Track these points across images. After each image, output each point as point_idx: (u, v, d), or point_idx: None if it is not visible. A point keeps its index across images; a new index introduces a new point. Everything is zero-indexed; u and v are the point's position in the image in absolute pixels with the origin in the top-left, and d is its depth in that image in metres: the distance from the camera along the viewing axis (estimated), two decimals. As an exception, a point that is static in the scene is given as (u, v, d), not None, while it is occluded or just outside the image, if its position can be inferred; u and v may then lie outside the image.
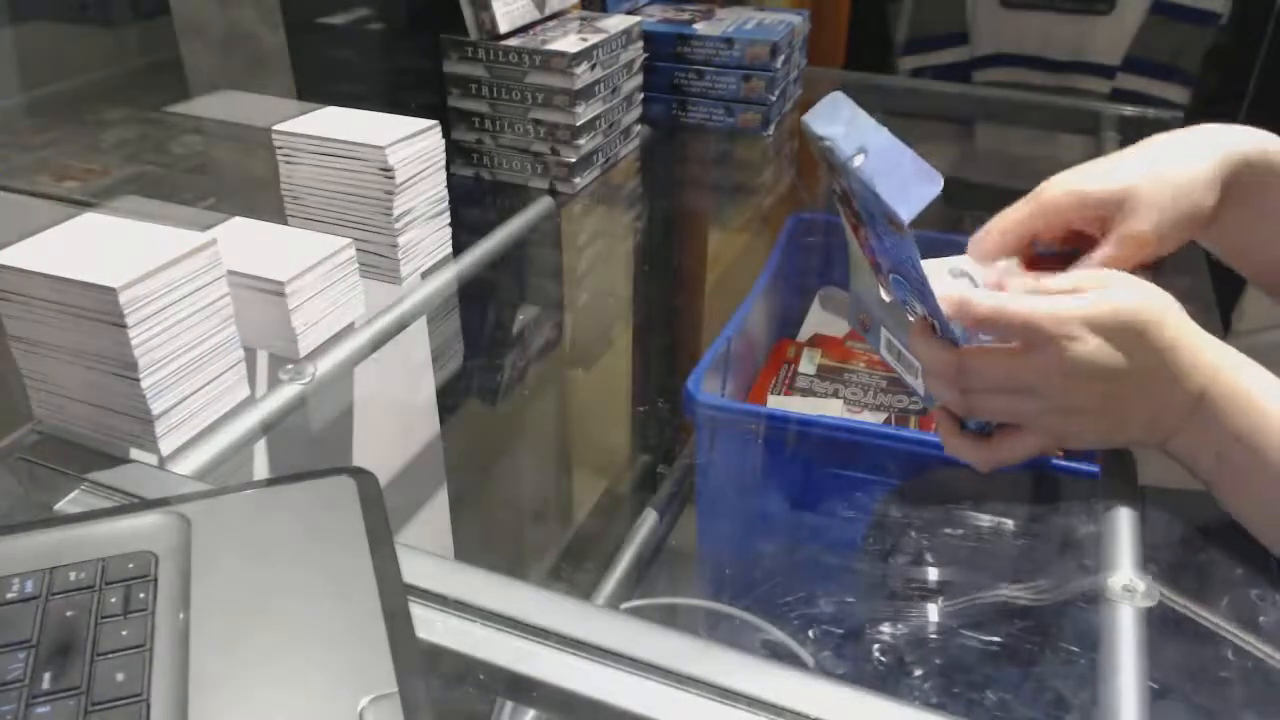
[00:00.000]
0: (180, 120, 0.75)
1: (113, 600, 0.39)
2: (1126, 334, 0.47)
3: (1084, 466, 0.60)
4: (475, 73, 0.86)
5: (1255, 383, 0.49)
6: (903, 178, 0.42)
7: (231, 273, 0.54)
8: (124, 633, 0.38)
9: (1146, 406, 0.50)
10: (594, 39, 0.86)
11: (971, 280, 0.54)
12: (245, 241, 0.60)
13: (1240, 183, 0.55)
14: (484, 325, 0.85)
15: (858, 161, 0.43)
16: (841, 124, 0.45)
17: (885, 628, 0.62)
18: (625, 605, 0.83)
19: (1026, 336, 0.48)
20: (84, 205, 0.56)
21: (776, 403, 0.82)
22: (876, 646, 0.62)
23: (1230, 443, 0.48)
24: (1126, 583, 0.47)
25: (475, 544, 0.88)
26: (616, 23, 0.92)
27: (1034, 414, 0.50)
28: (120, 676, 0.36)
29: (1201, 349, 0.49)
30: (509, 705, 0.68)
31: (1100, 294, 0.48)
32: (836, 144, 0.44)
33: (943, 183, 0.42)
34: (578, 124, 0.85)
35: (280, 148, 0.67)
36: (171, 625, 0.39)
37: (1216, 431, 0.49)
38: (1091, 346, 0.47)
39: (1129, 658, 0.43)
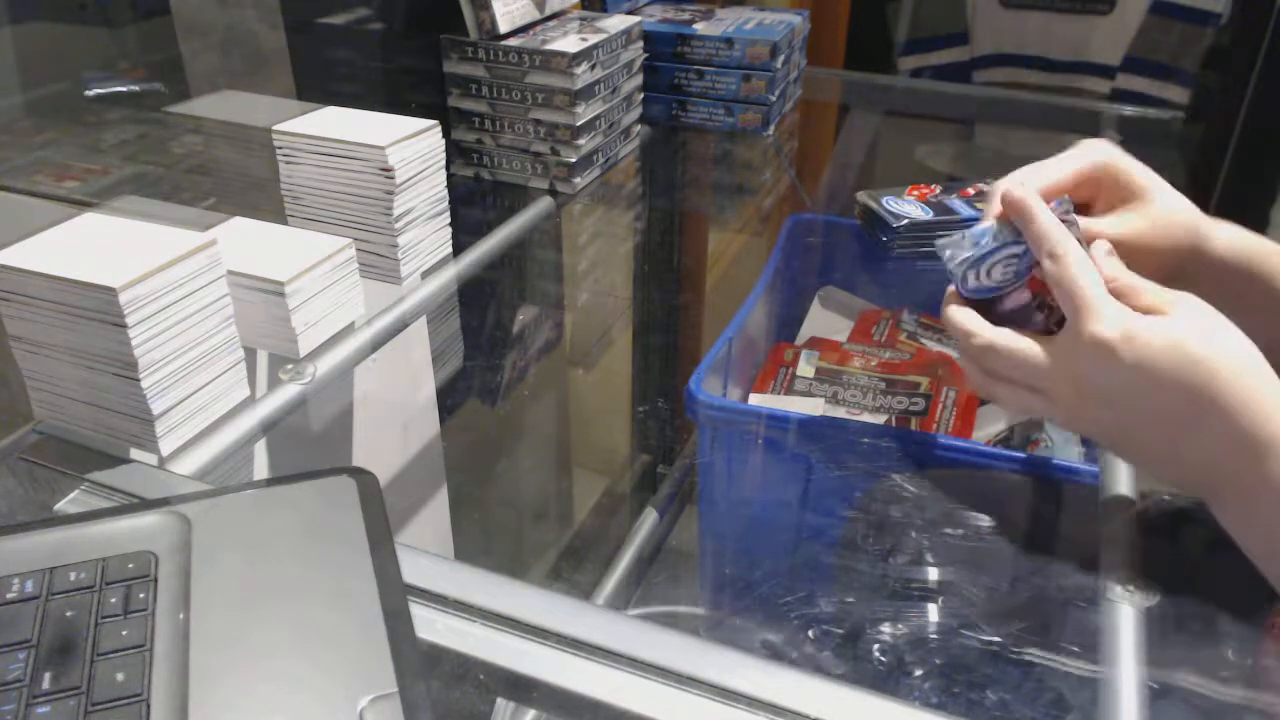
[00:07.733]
0: (180, 120, 0.75)
1: (113, 600, 0.39)
2: (1176, 372, 0.42)
3: (1084, 466, 0.60)
4: (475, 73, 0.86)
5: None
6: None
7: (231, 273, 0.54)
8: (124, 633, 0.38)
9: (1173, 453, 0.45)
10: (594, 39, 0.86)
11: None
12: (245, 241, 0.60)
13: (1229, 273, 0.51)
14: (484, 325, 0.85)
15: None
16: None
17: (885, 628, 0.62)
18: (633, 612, 0.82)
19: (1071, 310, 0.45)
20: (84, 205, 0.56)
21: (775, 405, 0.82)
22: (876, 646, 0.62)
23: None
24: (1127, 583, 0.47)
25: (475, 544, 0.88)
26: (616, 23, 0.92)
27: (1042, 411, 0.48)
28: (120, 676, 0.36)
29: (1271, 416, 0.41)
30: (509, 705, 0.69)
31: (1168, 321, 0.43)
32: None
33: None
34: (578, 124, 0.85)
35: (280, 148, 0.67)
36: (171, 625, 0.39)
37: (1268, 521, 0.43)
38: (1122, 375, 0.43)
39: (1129, 658, 0.43)
